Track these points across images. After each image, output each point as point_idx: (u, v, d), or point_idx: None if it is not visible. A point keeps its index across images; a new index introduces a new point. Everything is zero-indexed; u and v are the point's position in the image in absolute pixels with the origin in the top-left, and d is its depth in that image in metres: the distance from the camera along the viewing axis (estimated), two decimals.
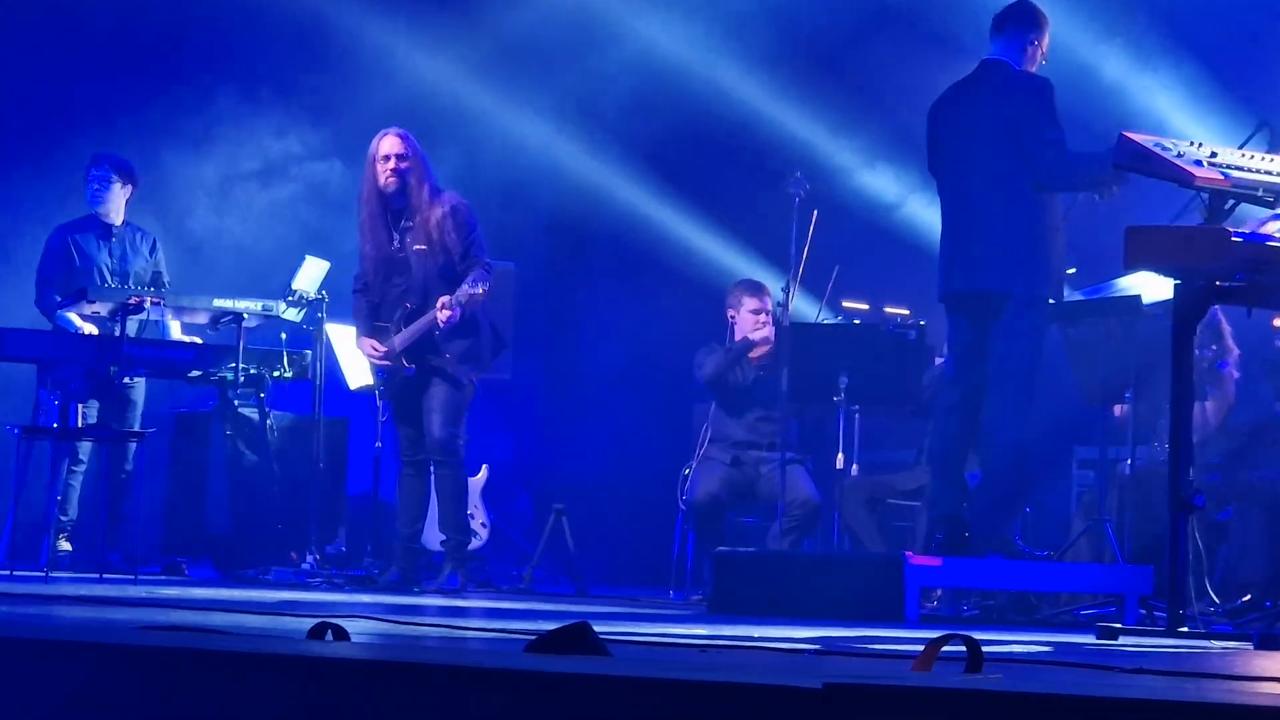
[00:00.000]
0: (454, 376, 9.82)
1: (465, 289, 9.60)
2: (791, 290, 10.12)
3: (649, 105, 13.28)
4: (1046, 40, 8.56)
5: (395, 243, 9.80)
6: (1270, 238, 6.48)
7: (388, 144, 9.75)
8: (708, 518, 10.42)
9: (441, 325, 9.64)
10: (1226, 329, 9.77)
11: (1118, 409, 9.22)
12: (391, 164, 9.70)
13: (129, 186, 11.21)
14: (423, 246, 9.75)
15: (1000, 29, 8.56)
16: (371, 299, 9.95)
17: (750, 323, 10.63)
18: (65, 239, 11.11)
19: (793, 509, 10.07)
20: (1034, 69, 8.51)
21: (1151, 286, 7.98)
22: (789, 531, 10.05)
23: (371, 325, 9.94)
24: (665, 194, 13.39)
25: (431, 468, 9.97)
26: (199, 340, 11.15)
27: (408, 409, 9.99)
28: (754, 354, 10.58)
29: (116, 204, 11.17)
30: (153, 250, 11.30)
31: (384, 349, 9.83)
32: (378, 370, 10.02)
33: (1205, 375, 9.48)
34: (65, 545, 10.72)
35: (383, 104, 12.67)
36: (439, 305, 9.62)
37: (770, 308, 10.50)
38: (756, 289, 10.70)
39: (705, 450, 10.58)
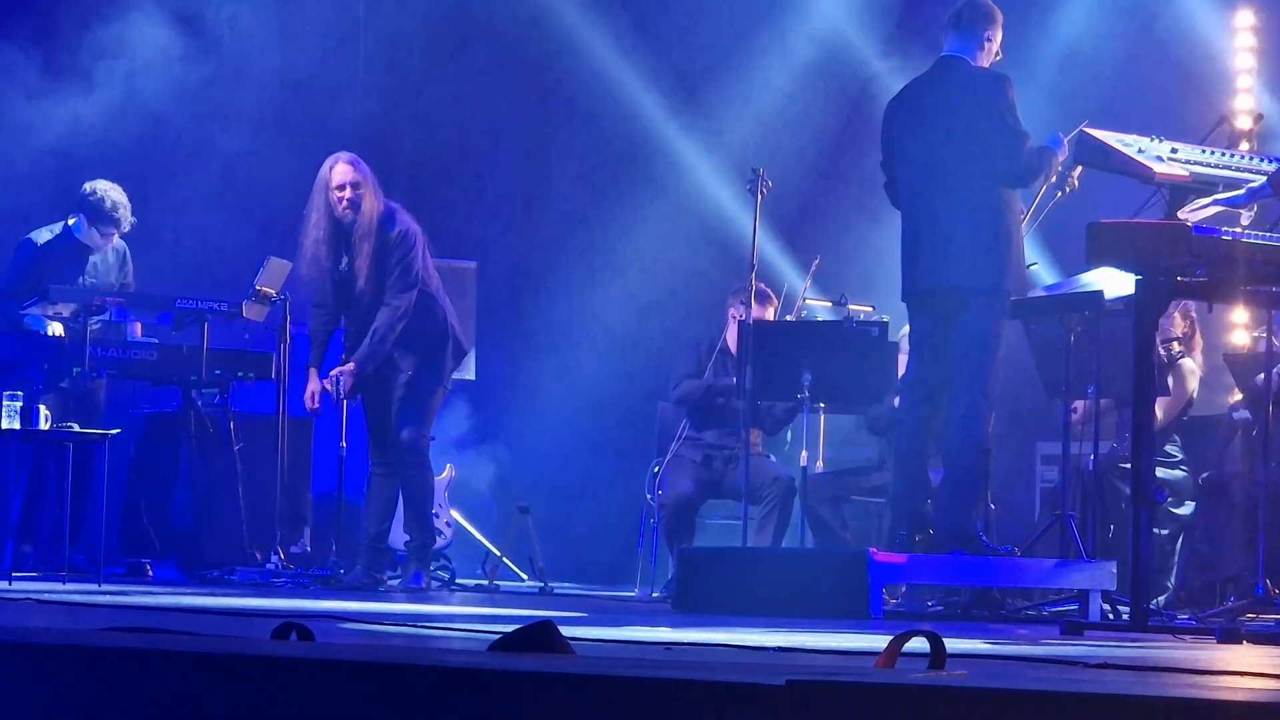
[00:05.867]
0: (417, 381, 9.88)
1: (351, 365, 9.79)
2: (752, 286, 10.01)
3: (608, 101, 13.31)
4: (1000, 35, 8.58)
5: (343, 265, 9.84)
6: (1219, 230, 6.50)
7: (340, 172, 9.77)
8: (679, 516, 10.39)
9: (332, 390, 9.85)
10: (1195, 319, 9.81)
11: (1078, 405, 9.22)
12: (347, 193, 9.72)
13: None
14: (366, 269, 9.76)
15: (955, 25, 8.57)
16: (332, 314, 10.00)
17: None
18: (33, 253, 10.93)
19: (767, 487, 10.08)
20: (989, 64, 8.54)
21: (1113, 282, 7.98)
22: (770, 511, 10.06)
23: (321, 354, 10.01)
24: (629, 189, 13.40)
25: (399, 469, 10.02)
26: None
27: (374, 410, 10.06)
28: None
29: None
30: (122, 264, 11.12)
31: (317, 389, 9.94)
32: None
33: (1165, 370, 9.50)
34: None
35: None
36: (338, 372, 9.83)
37: (773, 319, 10.25)
38: (763, 298, 10.30)
39: (677, 448, 10.52)
